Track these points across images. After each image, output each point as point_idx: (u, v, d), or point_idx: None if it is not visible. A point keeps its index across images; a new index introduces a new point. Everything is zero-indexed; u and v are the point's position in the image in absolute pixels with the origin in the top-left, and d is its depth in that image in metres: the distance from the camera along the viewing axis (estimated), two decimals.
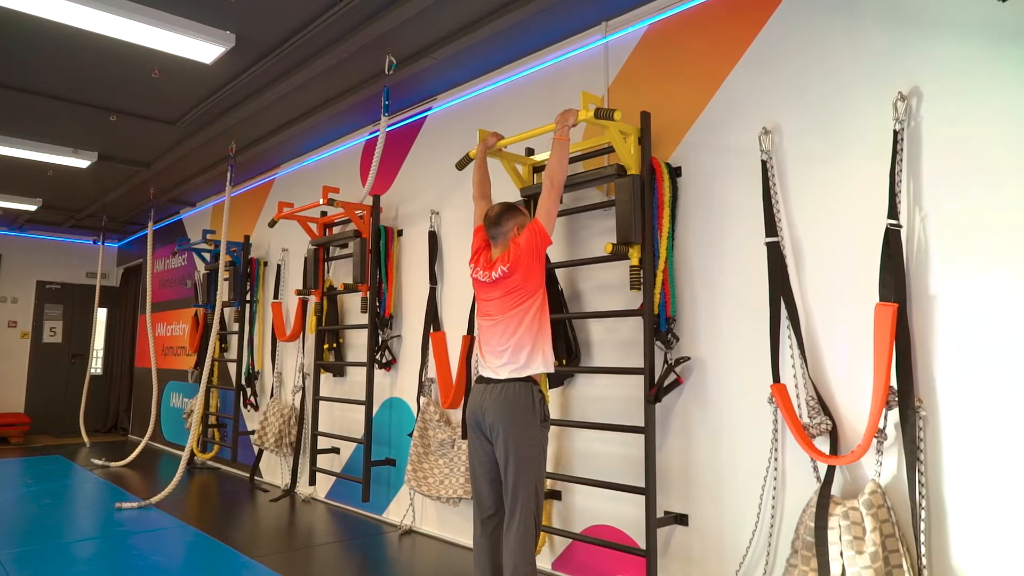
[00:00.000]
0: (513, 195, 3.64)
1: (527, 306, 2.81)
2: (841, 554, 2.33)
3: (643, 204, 3.07)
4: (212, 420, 6.86)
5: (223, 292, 6.30)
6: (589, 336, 3.47)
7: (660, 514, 3.02)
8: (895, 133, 2.47)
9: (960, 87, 2.37)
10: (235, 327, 6.61)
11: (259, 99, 4.68)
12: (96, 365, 10.05)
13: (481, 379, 2.90)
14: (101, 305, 9.39)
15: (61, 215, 8.67)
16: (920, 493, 2.31)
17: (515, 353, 2.78)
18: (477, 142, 3.37)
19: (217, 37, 3.81)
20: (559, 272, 3.56)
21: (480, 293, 2.98)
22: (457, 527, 4.14)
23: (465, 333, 4.05)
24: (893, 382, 2.38)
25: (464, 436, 3.91)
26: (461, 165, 3.51)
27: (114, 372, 10.11)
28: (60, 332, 9.74)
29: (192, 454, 6.49)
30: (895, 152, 2.46)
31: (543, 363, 2.80)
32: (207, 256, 6.90)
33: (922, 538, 2.27)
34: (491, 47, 3.89)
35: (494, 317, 2.87)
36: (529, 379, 2.78)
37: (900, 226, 2.44)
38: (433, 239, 4.44)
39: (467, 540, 4.06)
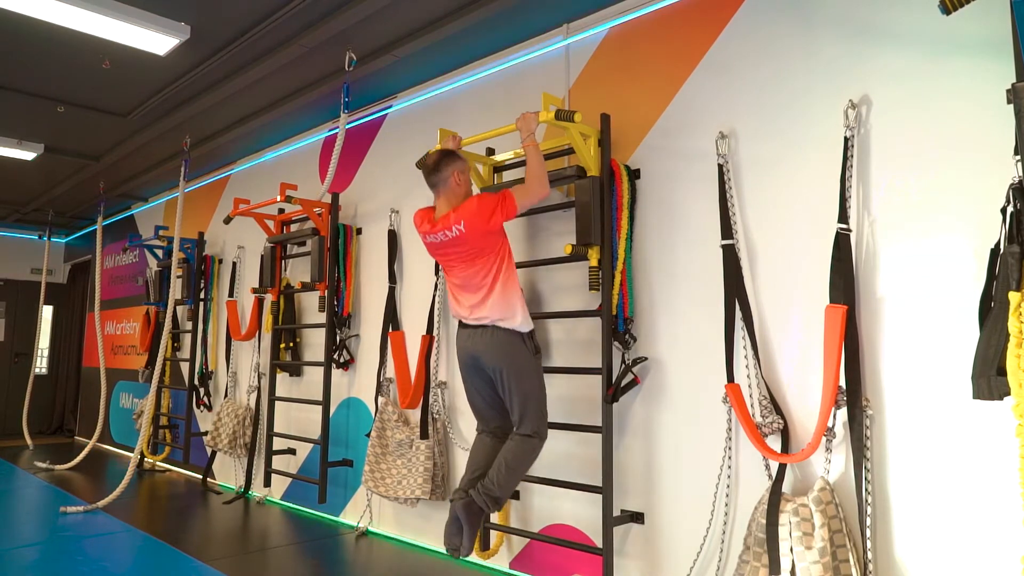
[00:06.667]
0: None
1: (491, 264, 2.87)
2: (791, 549, 2.39)
3: (602, 205, 3.09)
4: (163, 421, 6.69)
5: (176, 290, 6.16)
6: (548, 336, 3.48)
7: (616, 513, 3.05)
8: (846, 140, 2.54)
9: (907, 96, 2.45)
10: (188, 326, 6.46)
11: (215, 93, 4.58)
12: (41, 364, 9.70)
13: (465, 324, 2.98)
14: (47, 302, 9.06)
15: (5, 209, 8.35)
16: (866, 490, 2.38)
17: (489, 312, 2.87)
18: (438, 141, 3.36)
19: (171, 28, 3.72)
20: (519, 272, 3.56)
21: (437, 255, 3.01)
22: (415, 528, 4.12)
23: (424, 333, 4.03)
24: (842, 382, 2.45)
25: (424, 436, 3.89)
26: (421, 164, 3.49)
27: (60, 372, 9.77)
28: (2, 330, 9.38)
29: (142, 456, 6.32)
30: (845, 158, 2.53)
31: (523, 322, 2.90)
32: (159, 253, 6.73)
33: (868, 533, 2.35)
34: (453, 46, 3.88)
35: (460, 277, 2.94)
36: None
37: (850, 230, 2.51)
38: (392, 238, 4.40)
39: (425, 541, 4.04)
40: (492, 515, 2.83)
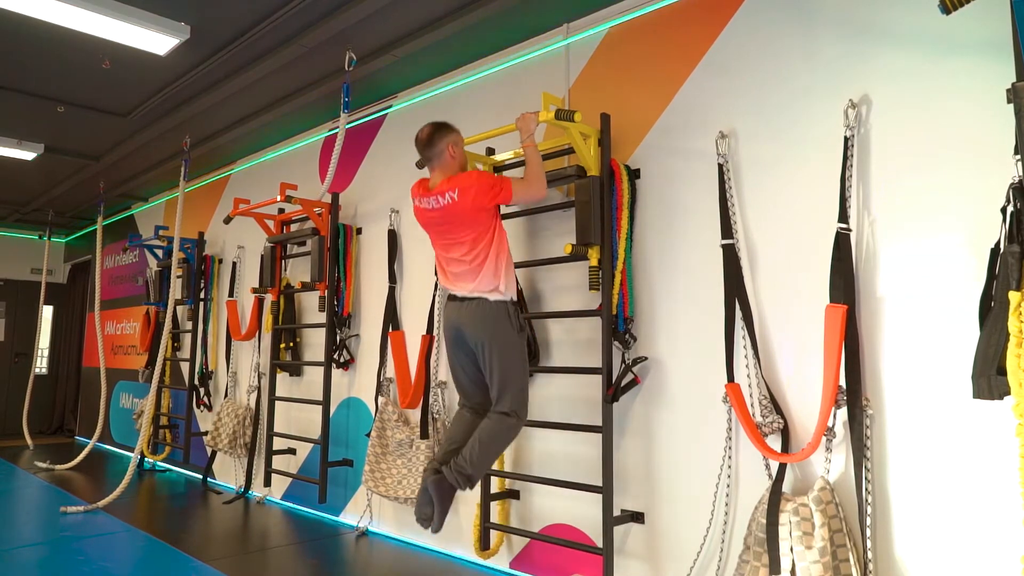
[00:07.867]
0: None
1: (480, 239, 2.83)
2: (791, 549, 2.39)
3: (602, 205, 3.10)
4: (164, 421, 6.69)
5: (176, 290, 6.16)
6: (548, 336, 3.49)
7: (617, 512, 3.05)
8: (846, 140, 2.54)
9: (907, 96, 2.45)
10: (188, 326, 6.46)
11: (215, 93, 4.58)
12: (41, 364, 9.71)
13: (453, 297, 2.94)
14: (47, 302, 9.05)
15: (5, 208, 8.35)
16: (866, 489, 2.38)
17: (477, 285, 2.84)
18: None
19: (171, 28, 3.72)
20: (519, 272, 3.56)
21: (426, 223, 2.97)
22: (416, 528, 4.11)
23: (424, 333, 4.03)
24: (842, 381, 2.45)
25: (424, 436, 3.89)
26: (421, 164, 3.49)
27: (60, 372, 9.77)
28: (2, 330, 9.38)
29: (142, 456, 6.32)
30: (845, 158, 2.53)
31: (505, 293, 2.86)
32: (159, 253, 6.73)
33: (868, 532, 2.35)
34: (453, 46, 3.88)
35: (448, 249, 2.90)
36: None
37: (850, 230, 2.51)
38: (393, 238, 4.40)
39: (425, 541, 4.04)
40: (465, 491, 2.80)
